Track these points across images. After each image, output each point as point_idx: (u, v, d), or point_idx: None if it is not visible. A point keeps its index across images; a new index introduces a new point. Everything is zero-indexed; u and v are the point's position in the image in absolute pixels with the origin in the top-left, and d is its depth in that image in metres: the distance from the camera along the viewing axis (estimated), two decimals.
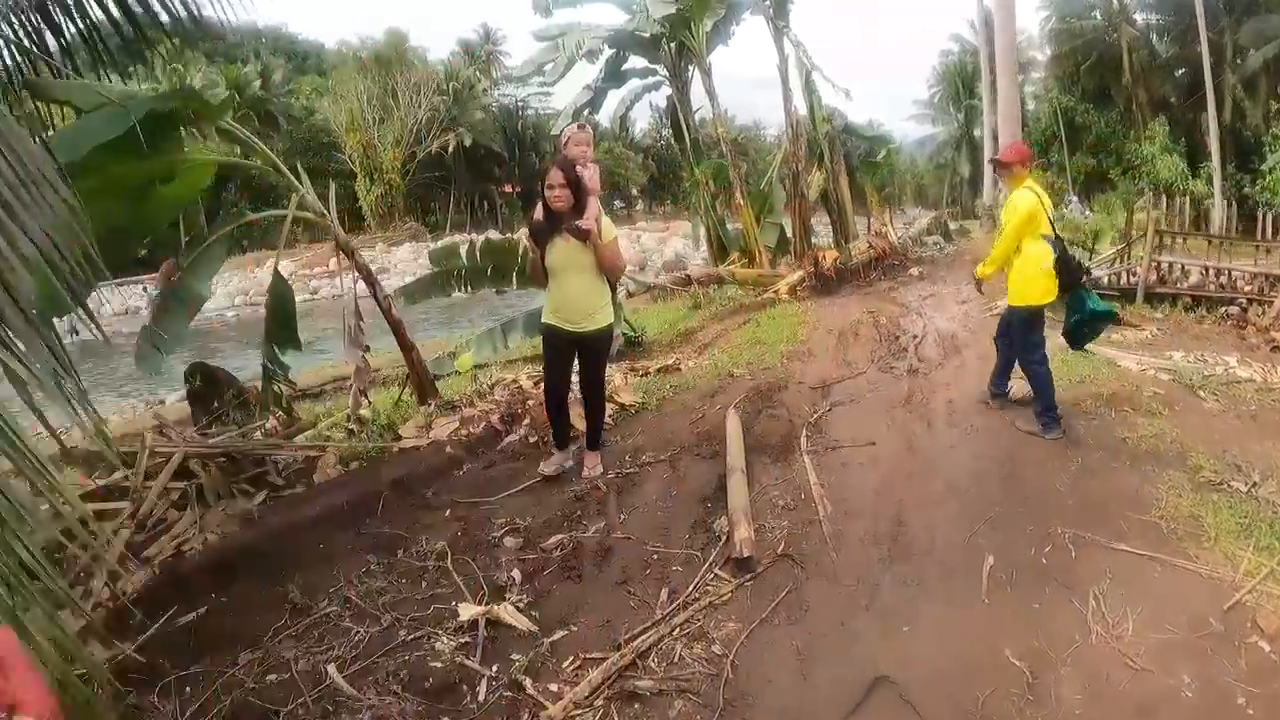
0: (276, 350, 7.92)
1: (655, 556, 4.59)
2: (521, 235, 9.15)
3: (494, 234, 55.12)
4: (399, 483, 6.04)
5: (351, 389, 8.27)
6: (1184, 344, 9.82)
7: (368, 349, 8.03)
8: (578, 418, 6.16)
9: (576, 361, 5.70)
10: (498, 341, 11.72)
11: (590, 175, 5.42)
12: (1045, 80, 50.09)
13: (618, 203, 68.95)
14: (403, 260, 41.51)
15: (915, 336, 9.86)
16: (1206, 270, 12.46)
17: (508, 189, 68.28)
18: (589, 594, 4.29)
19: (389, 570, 4.65)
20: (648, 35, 18.16)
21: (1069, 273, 5.98)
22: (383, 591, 4.39)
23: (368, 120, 60.30)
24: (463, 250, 11.41)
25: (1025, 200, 5.88)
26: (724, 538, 4.63)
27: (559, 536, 4.88)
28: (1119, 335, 10.04)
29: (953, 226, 26.86)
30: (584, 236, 5.15)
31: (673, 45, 18.47)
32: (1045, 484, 5.20)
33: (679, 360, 9.76)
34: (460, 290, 11.61)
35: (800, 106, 18.37)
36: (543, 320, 5.54)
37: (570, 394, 5.96)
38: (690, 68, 18.64)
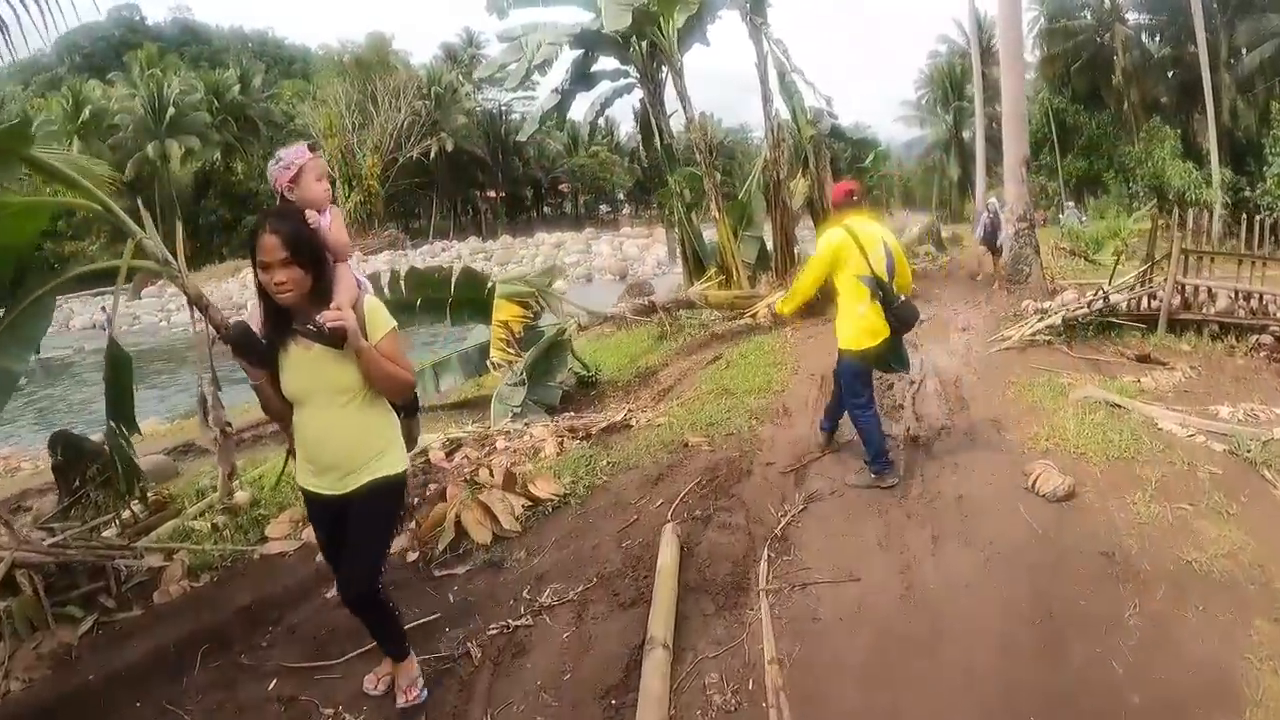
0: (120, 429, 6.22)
1: None
2: (483, 247, 7.38)
3: (475, 240, 53.87)
4: (246, 612, 4.59)
5: (219, 474, 6.59)
6: (1224, 389, 8.26)
7: (228, 426, 6.31)
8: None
9: None
10: (429, 384, 10.05)
11: (329, 222, 3.33)
12: (1035, 82, 48.82)
13: (604, 207, 67.41)
14: (377, 270, 39.72)
15: (912, 382, 8.21)
16: (1236, 294, 10.83)
17: (491, 194, 66.73)
18: None
19: None
20: (617, 33, 16.51)
21: (893, 315, 5.48)
22: None
23: (346, 125, 58.57)
24: (385, 279, 9.78)
25: (829, 239, 5.57)
26: None
27: None
28: (1150, 379, 8.45)
29: (945, 234, 25.31)
30: (335, 341, 2.92)
31: (644, 44, 16.79)
32: (1097, 661, 3.55)
33: (631, 413, 8.12)
34: None
35: (782, 110, 16.74)
36: (297, 480, 3.41)
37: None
38: (663, 68, 16.96)
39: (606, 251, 42.56)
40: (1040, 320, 10.38)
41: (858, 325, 5.54)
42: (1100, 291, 10.70)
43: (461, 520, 5.47)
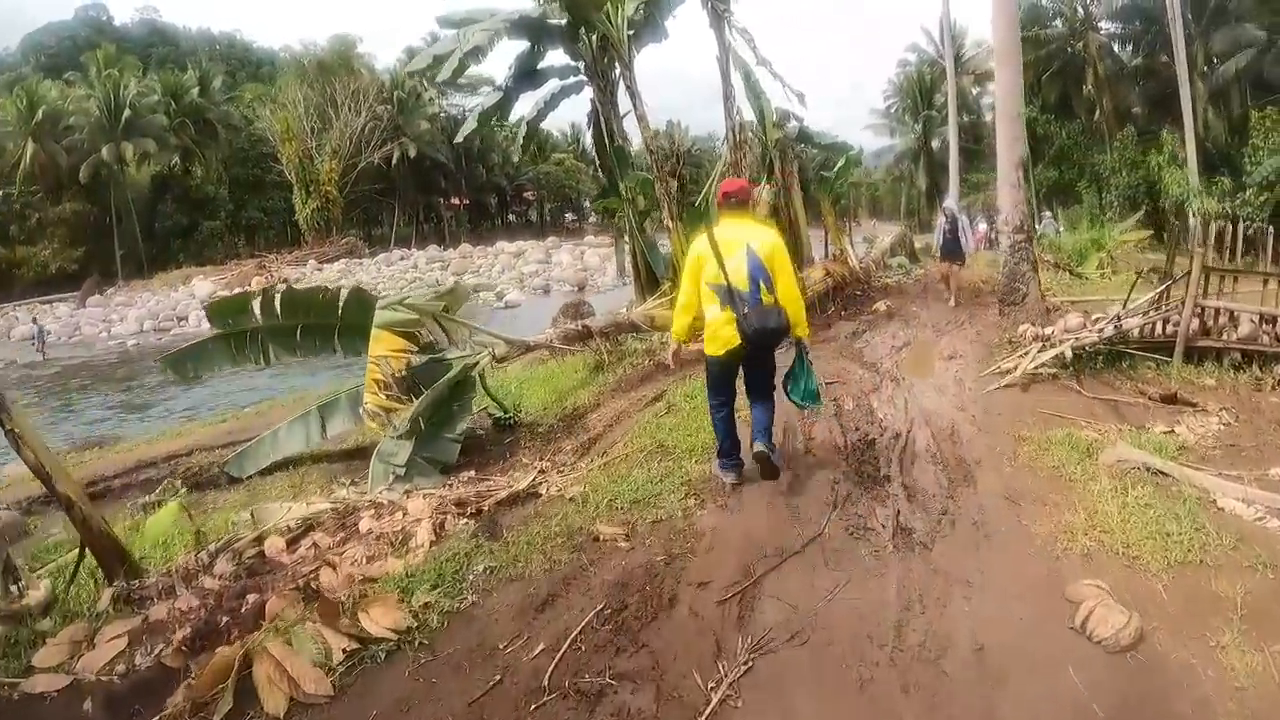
0: None
1: None
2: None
3: (434, 249, 51.79)
4: None
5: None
6: (1272, 439, 6.61)
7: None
8: None
9: None
10: (313, 428, 8.18)
11: None
12: None
13: (569, 215, 65.49)
14: (330, 281, 37.50)
15: (897, 437, 6.45)
16: (1260, 318, 9.23)
17: (455, 202, 64.65)
18: None
19: None
20: (563, 24, 14.75)
21: (743, 324, 5.03)
22: None
23: (305, 129, 56.33)
24: (256, 304, 7.91)
25: (693, 246, 5.35)
26: None
27: None
28: (1185, 428, 6.80)
29: (917, 244, 23.71)
30: None
31: (594, 38, 15.03)
32: None
33: (543, 475, 6.32)
34: (255, 360, 8.11)
35: (746, 111, 15.06)
36: None
37: None
38: (616, 65, 15.19)
39: (567, 261, 40.46)
40: (1045, 351, 8.69)
41: (708, 332, 5.27)
42: (1114, 316, 9.02)
43: (253, 675, 3.67)
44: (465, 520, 5.58)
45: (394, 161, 58.94)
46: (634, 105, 13.03)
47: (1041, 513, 4.99)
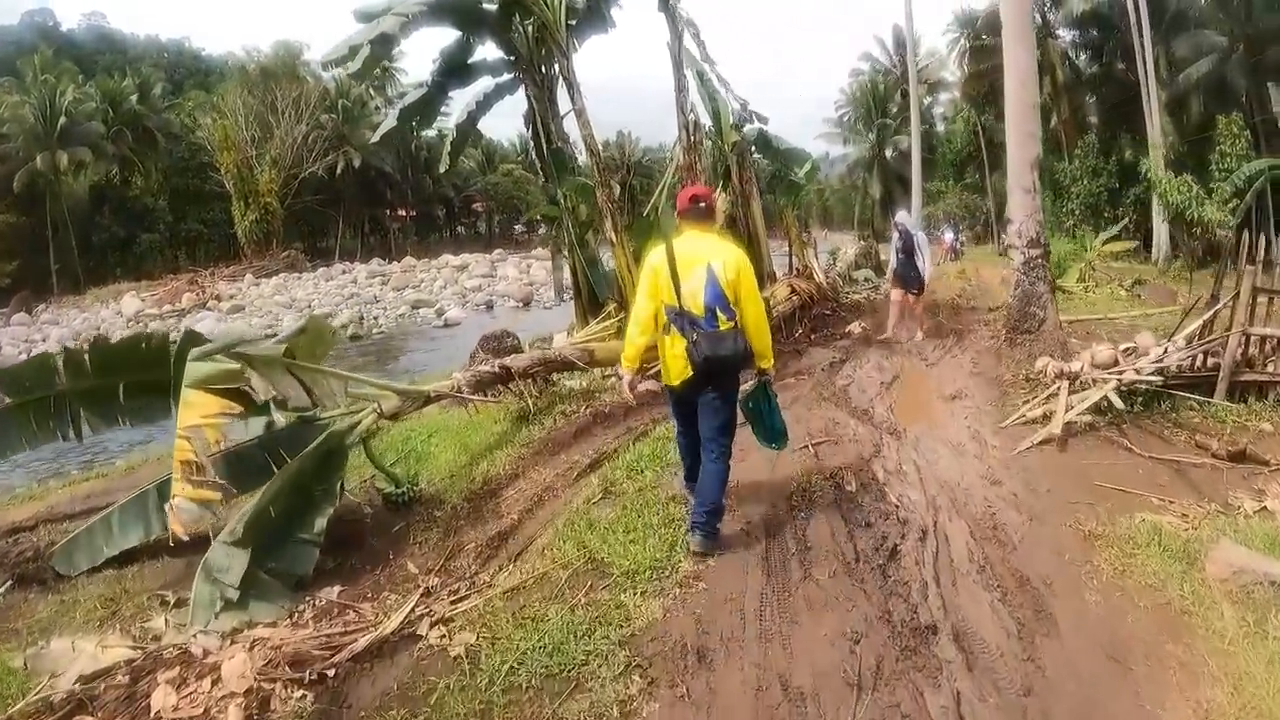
0: None
1: None
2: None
3: (377, 262, 49.16)
4: None
5: None
6: None
7: None
8: None
9: None
10: (153, 514, 6.11)
11: None
12: (958, 100, 46.88)
13: (518, 227, 63.21)
14: (264, 297, 34.95)
15: (924, 536, 4.60)
16: None
17: (402, 213, 62.07)
18: None
19: None
20: (494, 9, 12.78)
21: (692, 352, 4.28)
22: None
23: (245, 137, 53.50)
24: (60, 363, 5.84)
25: (648, 260, 4.59)
26: None
27: None
28: (1274, 499, 5.16)
29: (882, 256, 22.09)
30: None
31: (528, 27, 13.09)
32: None
33: (428, 600, 4.39)
34: (63, 433, 6.08)
35: (702, 113, 13.23)
36: None
37: None
38: (555, 58, 13.27)
39: (512, 275, 37.99)
40: (1076, 393, 6.96)
41: (662, 359, 4.64)
42: (1164, 348, 7.31)
43: None
44: (300, 693, 3.63)
45: (338, 172, 56.20)
46: (572, 99, 11.09)
47: (1166, 683, 3.20)
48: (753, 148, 15.63)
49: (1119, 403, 6.69)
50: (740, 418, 4.73)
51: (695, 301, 4.34)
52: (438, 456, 7.15)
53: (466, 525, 5.74)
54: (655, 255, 4.53)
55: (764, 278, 14.92)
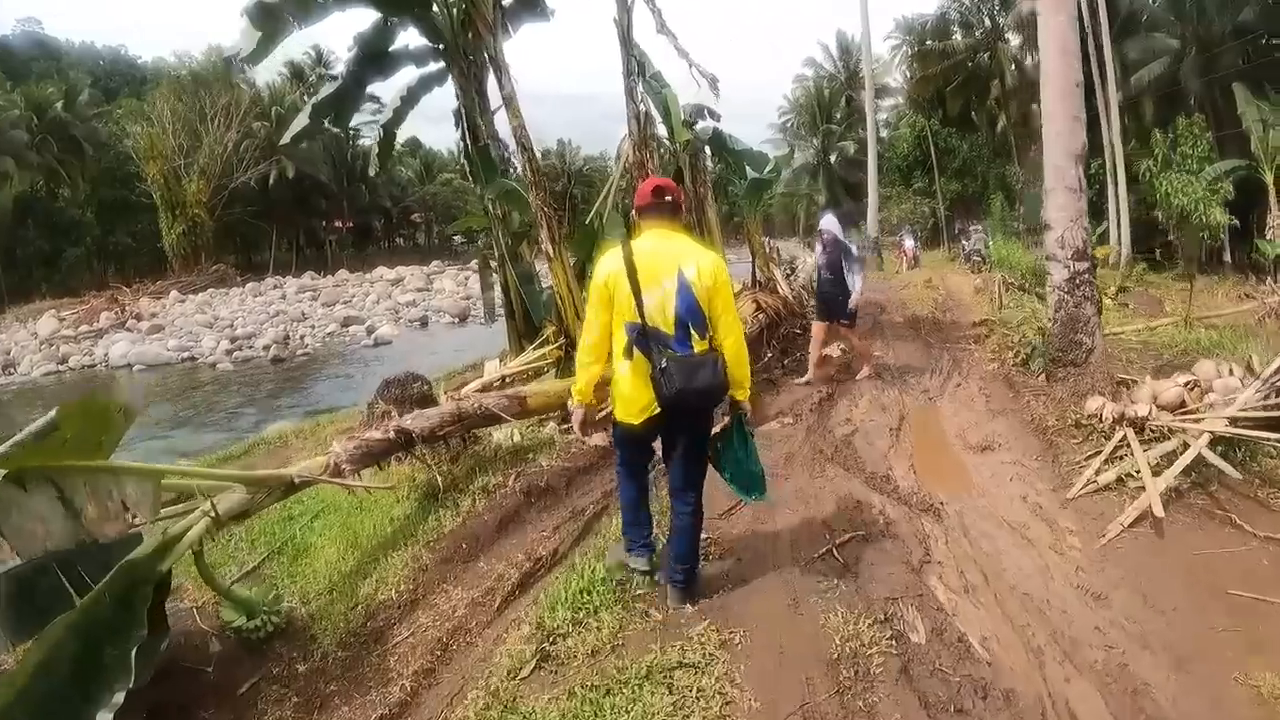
0: None
1: None
2: None
3: (309, 276, 46.23)
4: None
5: None
6: None
7: None
8: None
9: None
10: None
11: None
12: (903, 106, 46.01)
13: (458, 238, 60.52)
14: (186, 316, 32.12)
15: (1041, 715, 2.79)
16: None
17: (338, 225, 59.14)
18: None
19: None
20: None
21: (661, 383, 3.40)
22: None
23: (172, 145, 50.33)
24: None
25: (600, 266, 3.62)
26: None
27: None
28: None
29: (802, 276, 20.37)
30: None
31: (454, 10, 11.15)
32: None
33: None
34: None
35: (651, 106, 11.37)
36: None
37: None
38: (485, 43, 11.33)
39: (449, 288, 35.34)
40: (1164, 453, 5.23)
41: (616, 390, 3.65)
42: (1260, 382, 5.63)
43: None
44: None
45: (271, 182, 53.25)
46: (501, 84, 9.09)
47: None
48: (705, 148, 13.88)
49: (1225, 466, 4.96)
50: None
51: (663, 315, 3.48)
52: (319, 552, 5.12)
53: (337, 692, 3.77)
54: (608, 262, 3.59)
55: None
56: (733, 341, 3.58)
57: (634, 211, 3.79)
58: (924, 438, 6.35)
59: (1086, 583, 4.00)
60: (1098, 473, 5.35)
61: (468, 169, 12.02)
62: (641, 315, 3.45)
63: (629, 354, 3.52)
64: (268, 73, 59.59)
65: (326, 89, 12.30)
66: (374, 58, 11.99)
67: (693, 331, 3.49)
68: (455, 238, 56.00)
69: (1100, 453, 5.58)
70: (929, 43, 37.44)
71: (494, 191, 9.45)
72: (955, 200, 39.37)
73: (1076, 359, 6.37)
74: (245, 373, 21.13)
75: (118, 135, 55.51)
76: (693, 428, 3.64)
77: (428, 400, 6.25)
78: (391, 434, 4.99)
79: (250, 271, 51.93)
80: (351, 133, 58.88)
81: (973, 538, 4.54)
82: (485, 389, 9.79)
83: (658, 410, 3.50)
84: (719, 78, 11.03)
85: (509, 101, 8.77)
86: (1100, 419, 5.92)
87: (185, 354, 24.19)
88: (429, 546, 4.72)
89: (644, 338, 3.46)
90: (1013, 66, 34.60)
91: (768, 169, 12.42)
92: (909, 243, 27.74)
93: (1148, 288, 18.35)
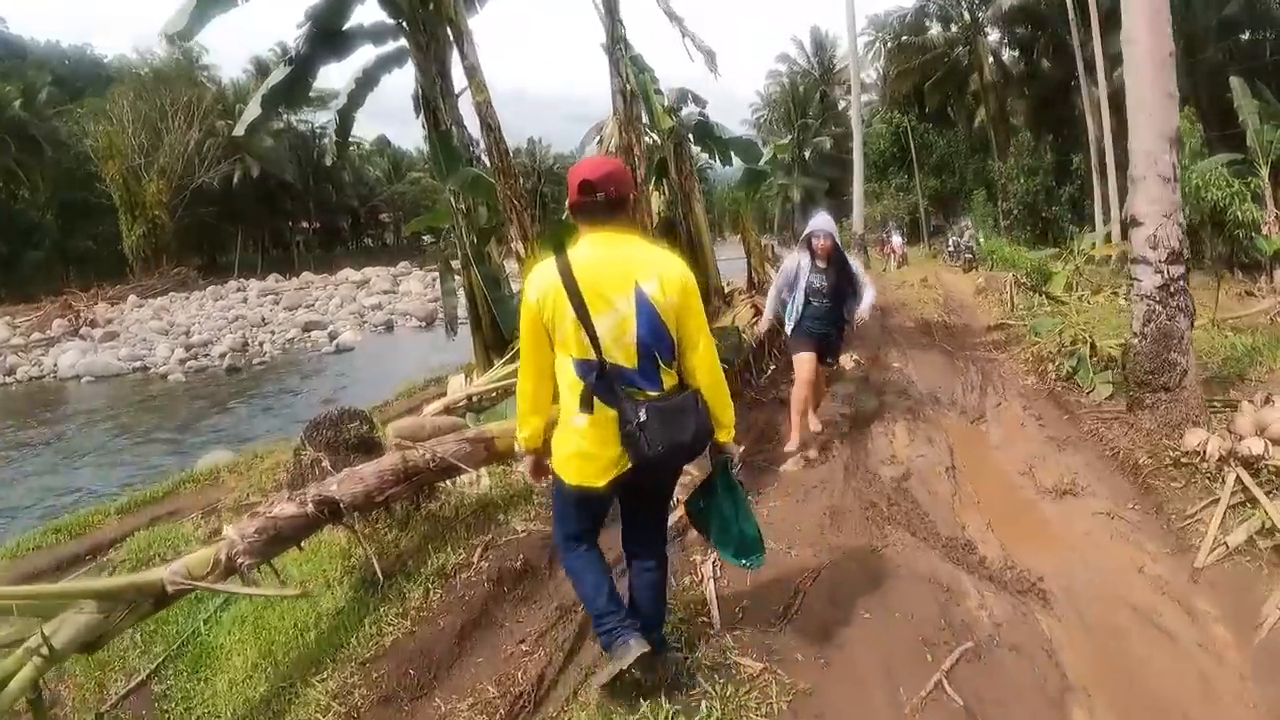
0: None
1: None
2: None
3: (274, 278, 44.32)
4: None
5: None
6: None
7: None
8: None
9: None
10: None
11: None
12: (877, 103, 45.00)
13: (427, 238, 58.69)
14: (141, 322, 30.28)
15: None
16: None
17: (305, 225, 57.14)
18: None
19: None
20: None
21: (636, 438, 2.53)
22: None
23: (132, 144, 48.26)
24: None
25: (528, 283, 2.68)
26: None
27: None
28: None
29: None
30: None
31: None
32: None
33: None
34: None
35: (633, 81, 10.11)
36: None
37: None
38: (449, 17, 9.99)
39: (416, 290, 33.48)
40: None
41: (566, 441, 2.70)
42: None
43: None
44: None
45: (235, 182, 51.28)
46: (463, 54, 7.68)
47: None
48: (690, 136, 12.62)
49: None
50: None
51: (622, 346, 2.59)
52: (225, 661, 3.70)
53: None
54: (540, 276, 2.64)
55: (710, 295, 11.92)
56: (710, 371, 2.71)
57: (570, 207, 2.77)
58: (986, 478, 5.12)
59: (1259, 698, 2.83)
60: (1223, 530, 4.16)
61: (429, 157, 10.62)
62: (597, 349, 2.57)
63: (586, 405, 2.61)
64: (232, 69, 57.72)
65: (277, 75, 10.89)
66: (328, 36, 10.61)
67: (660, 362, 2.65)
68: (425, 237, 54.28)
69: (1218, 500, 4.40)
70: (905, 38, 36.48)
71: (457, 182, 8.11)
72: (933, 197, 38.49)
73: (1169, 382, 5.14)
74: (197, 384, 19.50)
75: (78, 135, 53.27)
76: (664, 484, 2.90)
77: (368, 446, 4.90)
78: (310, 507, 3.64)
79: (216, 274, 49.92)
80: (318, 131, 57.23)
81: (1098, 636, 3.32)
82: (449, 409, 8.48)
83: (625, 469, 2.62)
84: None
85: (472, 73, 7.42)
86: (1206, 456, 4.73)
87: (137, 363, 22.45)
88: (364, 672, 3.36)
89: (603, 379, 2.58)
90: (990, 60, 33.58)
91: (764, 159, 11.11)
92: (896, 239, 26.63)
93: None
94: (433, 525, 4.59)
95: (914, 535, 4.06)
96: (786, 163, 51.62)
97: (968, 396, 7.26)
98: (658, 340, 2.61)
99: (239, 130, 11.47)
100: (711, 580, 3.57)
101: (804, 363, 5.49)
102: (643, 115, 9.03)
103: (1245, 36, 27.92)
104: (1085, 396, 6.87)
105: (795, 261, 5.63)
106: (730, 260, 17.79)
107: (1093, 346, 7.52)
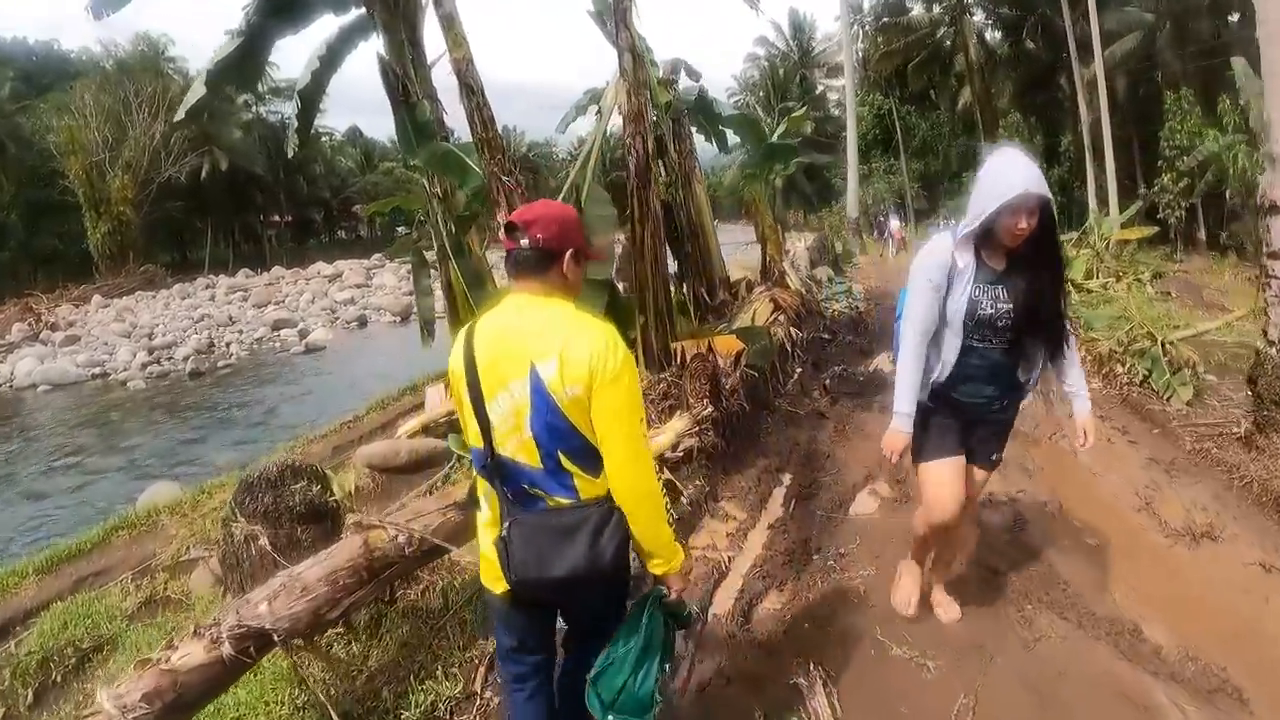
0: None
1: None
2: None
3: (244, 274, 42.68)
4: None
5: None
6: None
7: None
8: None
9: None
10: None
11: None
12: (859, 84, 44.04)
13: (401, 229, 57.20)
14: (104, 324, 28.66)
15: None
16: None
17: (276, 219, 55.37)
18: None
19: None
20: None
21: (501, 555, 2.01)
22: None
23: (95, 139, 46.45)
24: None
25: (455, 348, 2.12)
26: None
27: None
28: None
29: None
30: None
31: None
32: None
33: None
34: None
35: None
36: None
37: None
38: None
39: (390, 284, 31.86)
40: None
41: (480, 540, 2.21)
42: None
43: None
44: None
45: (203, 176, 49.55)
46: (435, 13, 6.50)
47: None
48: (686, 112, 11.47)
49: None
50: None
51: (519, 439, 1.99)
52: None
53: None
54: (455, 347, 2.13)
55: (714, 286, 10.81)
56: (629, 486, 1.99)
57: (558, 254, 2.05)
58: (1099, 517, 4.04)
59: None
60: None
61: (396, 134, 9.35)
62: (487, 438, 2.02)
63: (483, 498, 2.17)
64: (200, 60, 55.61)
65: (224, 49, 9.56)
66: (282, 4, 9.38)
67: (571, 465, 1.99)
68: (398, 229, 52.68)
69: None
70: (885, 19, 35.56)
71: (426, 157, 6.89)
72: (918, 179, 37.74)
73: None
74: (157, 391, 18.04)
75: (42, 131, 51.29)
76: (586, 610, 2.25)
77: (318, 513, 3.68)
78: (226, 648, 2.47)
79: (185, 271, 48.13)
80: (288, 122, 55.38)
81: None
82: (427, 428, 7.33)
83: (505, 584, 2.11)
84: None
85: (449, 24, 6.23)
86: None
87: (96, 369, 20.91)
88: None
89: (496, 476, 2.05)
90: (975, 40, 32.66)
91: (778, 133, 9.97)
92: (894, 222, 25.51)
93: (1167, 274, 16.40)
94: (414, 625, 3.37)
95: (1064, 618, 2.96)
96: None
97: (1030, 404, 6.21)
98: (558, 438, 1.97)
99: (180, 114, 10.08)
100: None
101: (943, 485, 2.88)
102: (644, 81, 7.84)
103: None
104: (1166, 405, 5.87)
105: (946, 263, 2.69)
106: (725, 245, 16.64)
107: (1162, 345, 6.53)
